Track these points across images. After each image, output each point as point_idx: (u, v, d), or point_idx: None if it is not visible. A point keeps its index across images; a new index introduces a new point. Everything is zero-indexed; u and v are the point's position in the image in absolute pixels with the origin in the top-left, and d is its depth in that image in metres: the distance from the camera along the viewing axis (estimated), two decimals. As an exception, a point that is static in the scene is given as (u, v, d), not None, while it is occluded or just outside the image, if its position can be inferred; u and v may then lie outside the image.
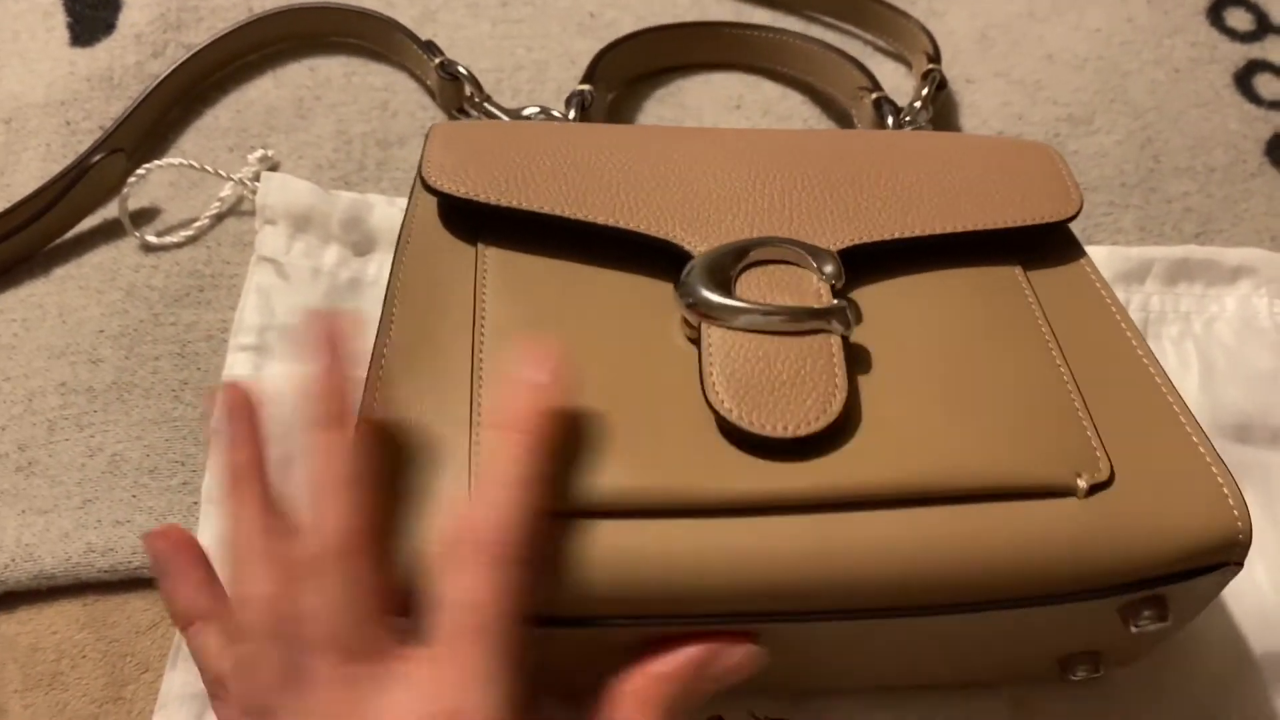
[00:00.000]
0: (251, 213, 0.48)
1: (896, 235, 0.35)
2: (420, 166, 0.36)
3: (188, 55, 0.51)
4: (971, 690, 0.38)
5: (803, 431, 0.30)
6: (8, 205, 0.47)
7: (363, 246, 0.47)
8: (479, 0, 0.57)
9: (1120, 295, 0.48)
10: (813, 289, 0.33)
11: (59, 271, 0.47)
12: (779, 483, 0.29)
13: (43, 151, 0.51)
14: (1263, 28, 0.58)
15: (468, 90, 0.51)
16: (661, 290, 0.34)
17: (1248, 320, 0.48)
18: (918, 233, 0.35)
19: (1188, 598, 0.31)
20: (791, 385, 0.30)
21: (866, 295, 0.34)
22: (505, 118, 0.49)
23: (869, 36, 0.57)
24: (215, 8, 0.56)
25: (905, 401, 0.31)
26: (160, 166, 0.48)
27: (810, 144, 0.39)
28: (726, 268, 0.33)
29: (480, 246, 0.35)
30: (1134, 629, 0.31)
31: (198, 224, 0.48)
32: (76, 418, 0.44)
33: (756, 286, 0.33)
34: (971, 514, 0.29)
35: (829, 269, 0.33)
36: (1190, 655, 0.40)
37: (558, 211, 0.34)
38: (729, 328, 0.31)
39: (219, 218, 0.49)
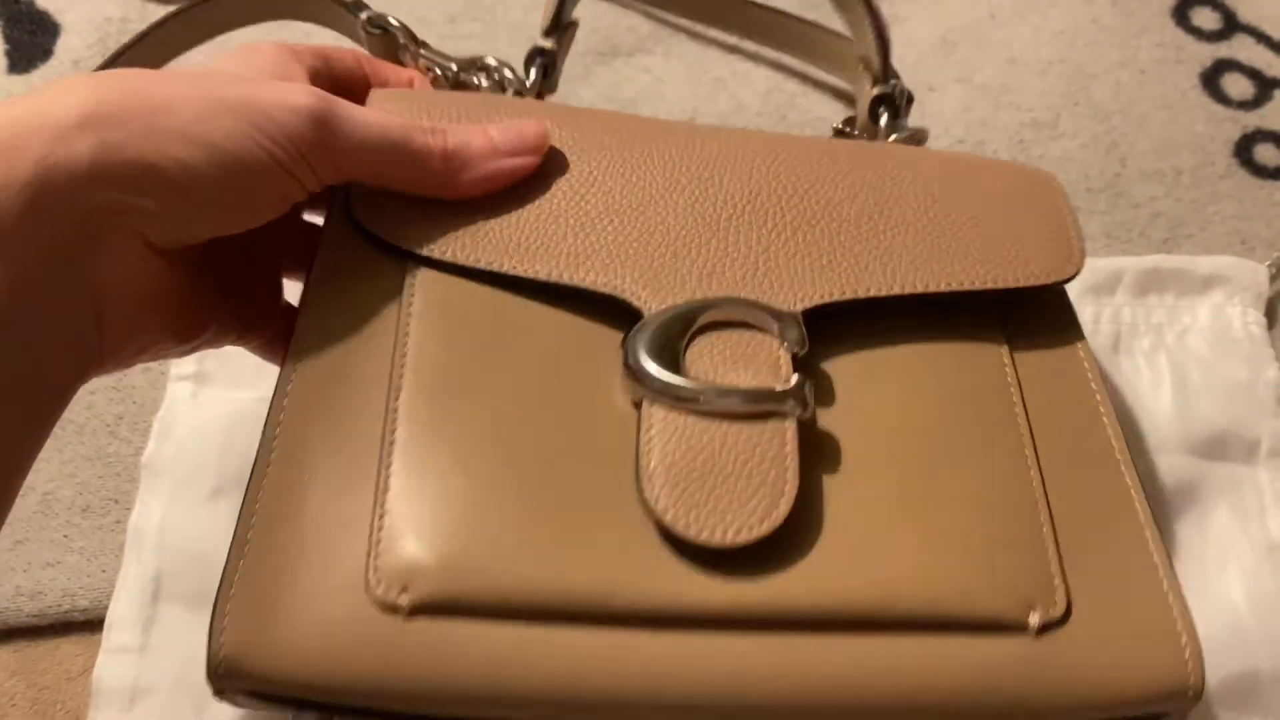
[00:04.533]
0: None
1: (870, 293, 0.32)
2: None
3: (109, 57, 0.48)
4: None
5: (742, 539, 0.28)
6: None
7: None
8: (429, 17, 0.56)
9: (1090, 309, 0.47)
10: (771, 358, 0.30)
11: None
12: (708, 595, 0.27)
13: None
14: (1230, 26, 0.57)
15: (402, 40, 0.47)
16: (609, 340, 0.31)
17: (1221, 331, 0.47)
18: (894, 291, 0.33)
19: None
20: (737, 479, 0.28)
21: (833, 361, 0.32)
22: (446, 73, 0.46)
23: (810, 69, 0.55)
24: (157, 31, 0.54)
25: (858, 502, 0.29)
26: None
27: (791, 156, 0.35)
28: (676, 336, 0.30)
29: (411, 266, 0.32)
30: None
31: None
32: (7, 458, 0.42)
33: (709, 356, 0.30)
34: (908, 645, 0.28)
35: (791, 335, 0.31)
36: None
37: (496, 267, 0.31)
38: (674, 410, 0.29)
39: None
